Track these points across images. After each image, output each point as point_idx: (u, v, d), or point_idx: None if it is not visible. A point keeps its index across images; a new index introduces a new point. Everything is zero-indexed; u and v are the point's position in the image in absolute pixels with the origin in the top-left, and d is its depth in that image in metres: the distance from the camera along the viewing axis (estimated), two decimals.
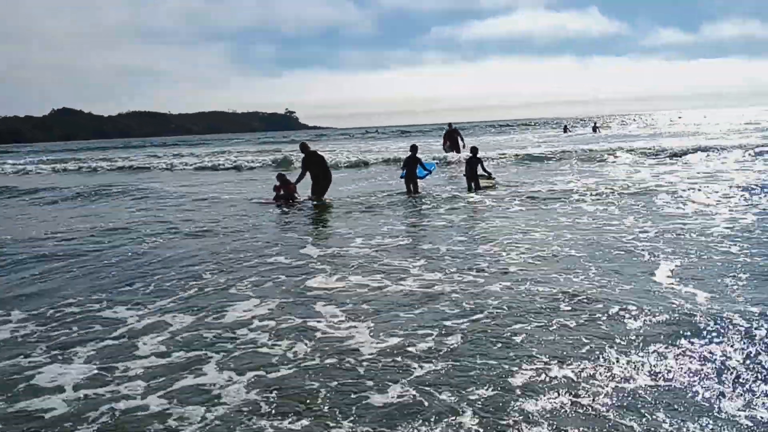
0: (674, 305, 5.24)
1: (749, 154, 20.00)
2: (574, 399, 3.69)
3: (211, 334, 5.10)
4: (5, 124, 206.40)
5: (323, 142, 57.96)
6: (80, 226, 11.40)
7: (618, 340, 4.55)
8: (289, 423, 3.55)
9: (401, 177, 14.74)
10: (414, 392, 3.85)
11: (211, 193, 16.66)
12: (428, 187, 14.97)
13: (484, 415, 3.52)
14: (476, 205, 12.22)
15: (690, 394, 3.70)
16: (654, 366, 4.10)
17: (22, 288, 6.86)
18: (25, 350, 4.90)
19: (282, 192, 13.40)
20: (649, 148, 23.27)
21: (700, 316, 4.91)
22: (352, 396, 3.85)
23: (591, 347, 4.43)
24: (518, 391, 3.80)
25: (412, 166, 14.43)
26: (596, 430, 3.35)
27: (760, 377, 3.88)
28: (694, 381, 3.87)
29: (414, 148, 14.70)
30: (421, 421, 3.49)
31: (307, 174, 13.51)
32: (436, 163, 18.27)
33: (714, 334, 4.59)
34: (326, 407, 3.71)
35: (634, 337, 4.59)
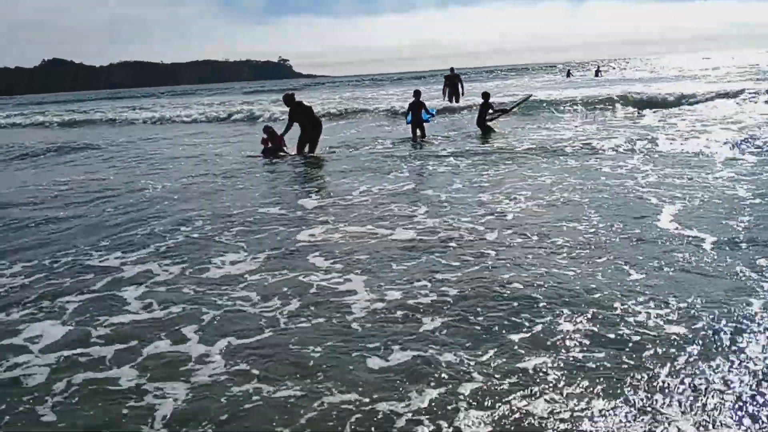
0: (680, 248, 4.95)
1: None
2: (582, 351, 3.39)
3: (201, 289, 4.76)
4: None
5: (318, 90, 56.57)
6: (75, 178, 11.22)
7: (621, 285, 4.34)
8: (280, 390, 3.22)
9: (407, 123, 14.63)
10: (415, 353, 3.53)
11: (201, 146, 16.15)
12: (437, 134, 14.74)
13: (494, 376, 3.21)
14: (485, 149, 11.80)
15: (696, 342, 3.39)
16: (658, 316, 3.79)
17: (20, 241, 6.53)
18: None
19: (270, 145, 12.73)
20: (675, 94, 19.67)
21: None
22: (349, 358, 3.53)
23: (600, 291, 4.12)
24: (525, 348, 3.50)
25: (417, 111, 14.28)
26: (607, 380, 3.09)
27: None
28: (699, 329, 3.56)
29: (417, 93, 14.65)
30: (422, 386, 3.17)
31: (295, 124, 12.38)
32: (436, 109, 17.83)
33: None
34: (320, 373, 3.39)
35: (638, 287, 4.29)
